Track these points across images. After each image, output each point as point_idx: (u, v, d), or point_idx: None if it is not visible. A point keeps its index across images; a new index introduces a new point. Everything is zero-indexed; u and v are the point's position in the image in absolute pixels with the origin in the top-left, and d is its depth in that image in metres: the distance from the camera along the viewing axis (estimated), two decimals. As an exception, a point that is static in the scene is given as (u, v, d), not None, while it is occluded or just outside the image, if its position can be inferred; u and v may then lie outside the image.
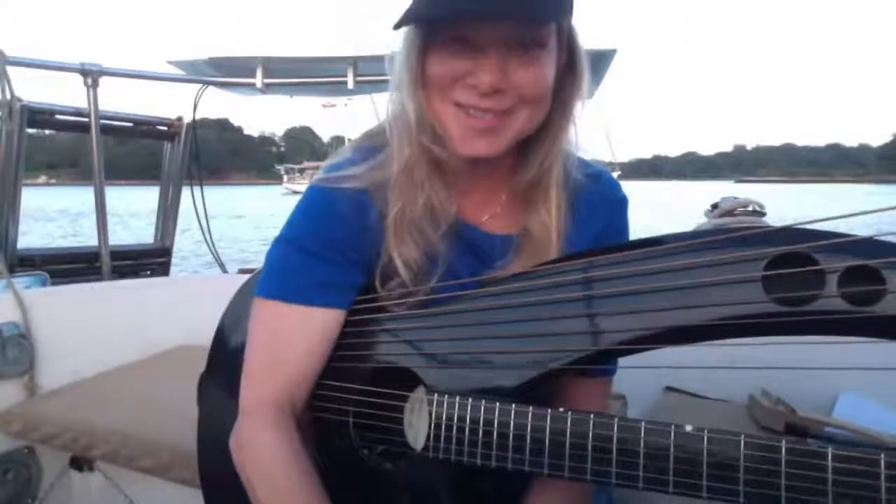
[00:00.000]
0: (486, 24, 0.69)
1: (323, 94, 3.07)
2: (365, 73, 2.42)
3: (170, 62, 2.57)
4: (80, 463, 1.48)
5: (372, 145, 0.82)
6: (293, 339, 0.78)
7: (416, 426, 0.78)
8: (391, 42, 0.78)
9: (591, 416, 0.62)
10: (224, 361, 0.97)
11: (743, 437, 0.55)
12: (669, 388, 1.50)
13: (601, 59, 2.26)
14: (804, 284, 0.55)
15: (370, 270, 0.80)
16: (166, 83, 2.64)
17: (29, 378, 1.62)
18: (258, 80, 2.46)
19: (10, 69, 1.99)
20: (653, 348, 0.65)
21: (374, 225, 0.78)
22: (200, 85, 2.56)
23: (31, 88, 2.18)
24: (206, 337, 0.99)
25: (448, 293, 0.77)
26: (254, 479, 0.75)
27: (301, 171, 61.99)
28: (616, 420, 0.61)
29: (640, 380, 1.00)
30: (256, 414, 0.77)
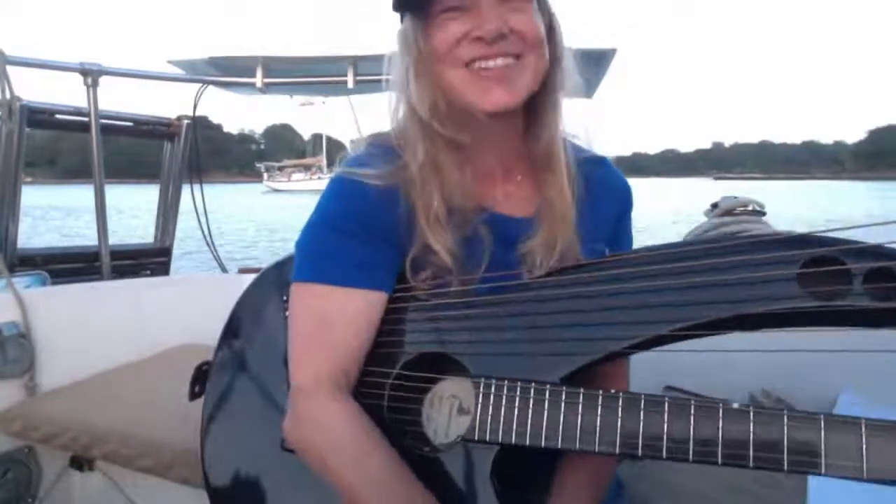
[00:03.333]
0: None
1: (323, 93, 3.08)
2: (365, 72, 2.41)
3: (170, 62, 2.57)
4: (80, 463, 1.48)
5: (386, 145, 0.83)
6: (338, 321, 0.79)
7: (436, 420, 0.79)
8: (388, 41, 0.81)
9: (643, 396, 0.66)
10: (235, 356, 0.97)
11: (786, 412, 0.61)
12: (669, 388, 1.50)
13: (601, 59, 2.26)
14: (834, 282, 0.63)
15: (404, 256, 0.81)
16: (166, 83, 2.63)
17: (29, 378, 1.62)
18: (258, 80, 2.46)
19: (10, 69, 1.99)
20: (705, 335, 0.70)
21: (404, 217, 0.80)
22: (200, 85, 2.56)
23: (31, 88, 2.18)
24: (206, 337, 0.99)
25: (491, 283, 0.78)
26: (323, 449, 0.75)
27: (281, 168, 62.39)
28: (666, 399, 0.65)
29: (641, 379, 1.00)
30: (315, 390, 0.78)
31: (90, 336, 1.77)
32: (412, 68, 0.78)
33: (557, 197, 0.80)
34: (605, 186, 0.87)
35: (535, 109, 0.81)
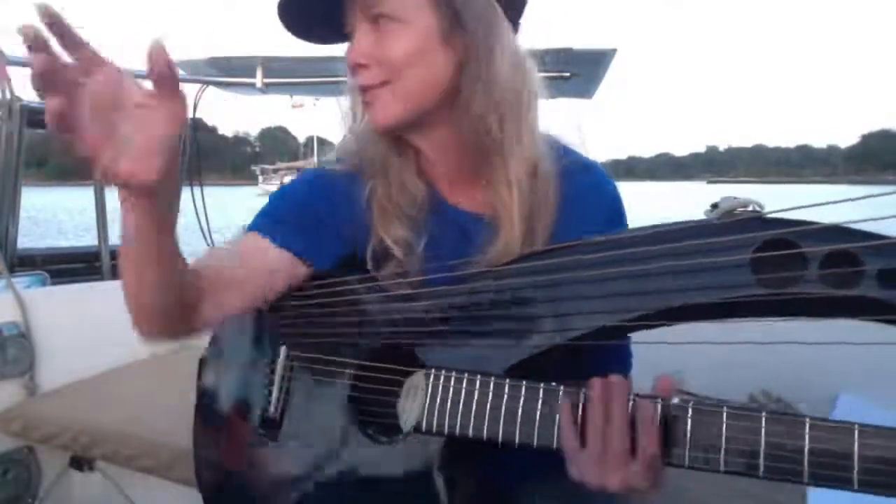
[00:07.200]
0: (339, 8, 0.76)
1: (323, 93, 3.08)
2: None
3: (170, 62, 2.57)
4: (80, 463, 1.48)
5: (347, 148, 0.89)
6: (236, 251, 0.84)
7: (410, 411, 0.78)
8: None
9: (583, 389, 0.64)
10: (221, 358, 0.97)
11: (764, 413, 0.56)
12: (669, 388, 1.50)
13: (601, 59, 2.26)
14: (788, 268, 0.58)
15: (356, 245, 0.83)
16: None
17: (29, 378, 1.62)
18: (258, 80, 2.46)
19: (10, 69, 1.99)
20: (650, 327, 0.67)
21: (363, 206, 0.83)
22: (200, 85, 2.56)
23: (31, 88, 2.18)
24: (205, 337, 0.99)
25: (444, 274, 0.78)
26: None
27: (275, 171, 62.89)
28: (633, 395, 0.64)
29: (638, 379, 1.00)
30: None
31: (90, 336, 1.77)
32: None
33: (499, 207, 0.79)
34: (592, 193, 0.86)
35: (462, 106, 0.77)
